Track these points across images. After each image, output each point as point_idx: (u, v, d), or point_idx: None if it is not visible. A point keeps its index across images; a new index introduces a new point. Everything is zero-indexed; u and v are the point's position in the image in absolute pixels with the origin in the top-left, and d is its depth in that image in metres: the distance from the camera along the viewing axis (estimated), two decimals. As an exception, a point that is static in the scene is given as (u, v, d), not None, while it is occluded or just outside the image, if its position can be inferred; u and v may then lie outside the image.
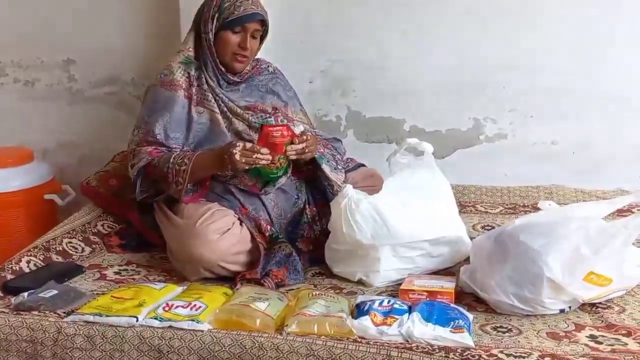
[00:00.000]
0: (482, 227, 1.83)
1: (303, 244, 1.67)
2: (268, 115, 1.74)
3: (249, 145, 1.55)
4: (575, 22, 2.04)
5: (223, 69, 1.71)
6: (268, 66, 1.85)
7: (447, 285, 1.43)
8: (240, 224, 1.60)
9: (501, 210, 1.95)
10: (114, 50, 2.26)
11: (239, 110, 1.70)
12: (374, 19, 2.13)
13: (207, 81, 1.71)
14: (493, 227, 1.80)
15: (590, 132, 2.08)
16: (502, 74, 2.09)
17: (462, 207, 1.92)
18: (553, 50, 2.06)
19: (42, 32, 2.29)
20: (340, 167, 1.74)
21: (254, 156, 1.54)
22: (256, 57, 1.80)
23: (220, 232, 1.55)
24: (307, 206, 1.72)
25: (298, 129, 1.66)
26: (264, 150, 1.55)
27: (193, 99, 1.69)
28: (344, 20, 2.13)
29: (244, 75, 1.76)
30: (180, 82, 1.69)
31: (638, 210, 1.74)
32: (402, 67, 2.14)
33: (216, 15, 1.68)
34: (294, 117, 1.81)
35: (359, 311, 1.31)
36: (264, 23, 1.71)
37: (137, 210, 1.77)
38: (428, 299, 1.37)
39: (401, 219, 1.54)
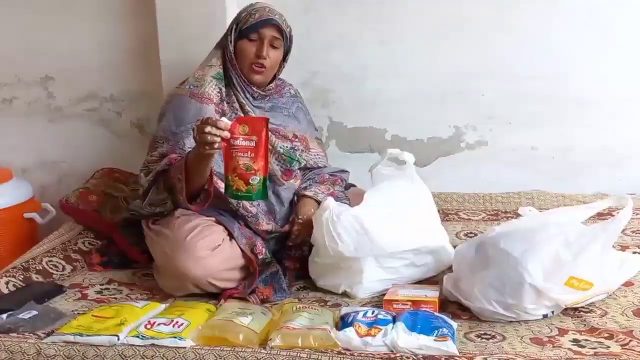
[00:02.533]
0: (465, 235, 1.84)
1: (290, 261, 1.65)
2: (288, 141, 1.72)
3: (217, 120, 1.37)
4: (552, 28, 2.07)
5: (247, 81, 1.69)
6: (290, 88, 1.86)
7: (430, 294, 1.43)
8: (230, 240, 1.57)
9: (484, 217, 1.96)
10: (92, 67, 2.24)
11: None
12: (351, 29, 2.14)
13: (237, 99, 1.68)
14: (476, 234, 1.80)
15: (570, 137, 2.10)
16: (480, 81, 2.11)
17: (445, 215, 1.93)
18: (531, 56, 2.09)
19: (20, 49, 2.27)
20: (348, 203, 1.70)
21: (207, 129, 1.34)
22: (279, 77, 1.79)
23: (210, 249, 1.52)
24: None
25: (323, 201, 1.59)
26: (222, 123, 1.35)
27: (226, 115, 1.63)
28: (322, 32, 2.14)
29: (269, 92, 1.75)
30: (212, 96, 1.65)
31: (616, 214, 1.76)
32: (381, 76, 2.15)
33: (234, 26, 1.69)
34: (310, 145, 1.80)
35: (343, 323, 1.31)
36: (282, 33, 1.70)
37: (119, 226, 1.75)
38: (412, 308, 1.37)
39: (383, 229, 1.53)
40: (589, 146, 2.10)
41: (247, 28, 1.67)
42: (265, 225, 1.64)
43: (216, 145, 1.37)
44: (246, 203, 1.60)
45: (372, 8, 2.11)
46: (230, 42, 1.69)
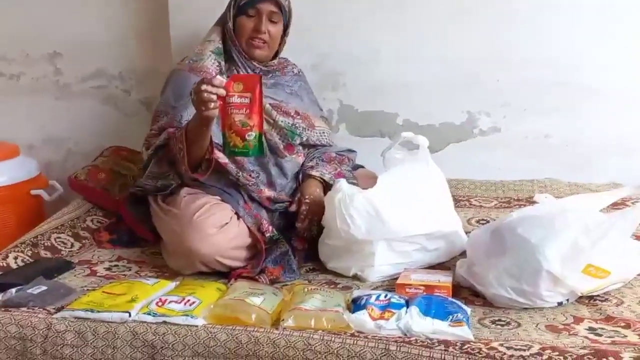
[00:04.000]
0: (477, 221, 1.82)
1: (299, 242, 1.64)
2: (290, 117, 1.72)
3: (212, 78, 1.38)
4: (567, 15, 2.03)
5: (247, 56, 1.69)
6: (293, 67, 1.85)
7: (444, 279, 1.41)
8: (238, 219, 1.57)
9: (495, 204, 1.94)
10: (101, 44, 2.22)
11: (267, 106, 1.66)
12: (363, 11, 2.10)
13: (237, 73, 1.67)
14: (488, 221, 1.78)
15: (584, 125, 2.08)
16: (495, 67, 2.07)
17: (457, 201, 1.90)
18: (547, 43, 2.05)
19: (27, 24, 2.24)
20: (355, 182, 1.69)
21: (202, 87, 1.36)
22: (283, 56, 1.79)
23: (218, 226, 1.52)
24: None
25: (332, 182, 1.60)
26: (217, 80, 1.37)
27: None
28: (333, 14, 2.10)
29: (272, 68, 1.74)
30: (211, 70, 1.65)
31: (633, 203, 1.74)
32: (393, 60, 2.11)
33: (232, 3, 1.70)
34: (314, 123, 1.79)
35: (355, 306, 1.29)
36: (280, 6, 1.68)
37: (128, 203, 1.74)
38: (425, 293, 1.35)
39: (396, 213, 1.52)
40: (602, 135, 2.08)
41: (245, 4, 1.67)
42: (267, 192, 1.64)
43: (212, 105, 1.38)
44: (245, 172, 1.61)
45: (385, -10, 2.08)
46: (230, 18, 1.69)
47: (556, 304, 1.33)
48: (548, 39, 2.05)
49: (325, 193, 1.64)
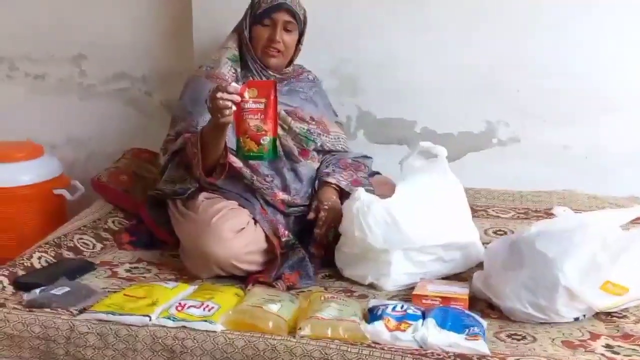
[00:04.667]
0: (494, 232, 1.82)
1: (316, 248, 1.65)
2: (305, 123, 1.73)
3: (227, 86, 1.40)
4: (588, 26, 2.02)
5: (262, 65, 1.72)
6: (308, 74, 1.87)
7: (460, 291, 1.42)
8: (255, 224, 1.59)
9: (513, 215, 1.93)
10: (125, 46, 2.25)
11: (282, 113, 1.68)
12: (382, 17, 2.09)
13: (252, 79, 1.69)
14: (505, 232, 1.78)
15: (604, 137, 2.06)
16: (515, 76, 2.06)
17: (474, 212, 1.89)
18: (568, 53, 2.04)
19: (54, 26, 2.28)
20: (372, 190, 1.70)
21: (218, 94, 1.39)
22: (298, 63, 1.81)
23: (235, 231, 1.54)
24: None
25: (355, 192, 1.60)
26: (232, 87, 1.40)
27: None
28: (352, 19, 2.10)
29: (286, 75, 1.76)
30: (227, 77, 1.67)
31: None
32: (412, 66, 2.11)
33: (249, 12, 1.73)
34: (329, 128, 1.81)
35: (372, 316, 1.30)
36: (295, 16, 1.70)
37: (148, 205, 1.76)
38: (442, 304, 1.36)
39: (414, 222, 1.52)
40: (622, 147, 2.06)
41: (261, 13, 1.69)
42: (281, 195, 1.65)
43: (228, 112, 1.41)
44: (260, 176, 1.63)
45: (405, -5, 2.07)
46: (246, 27, 1.72)
47: (572, 320, 1.33)
48: (569, 49, 2.04)
49: (341, 200, 1.66)
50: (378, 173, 1.90)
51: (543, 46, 2.05)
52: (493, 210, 1.97)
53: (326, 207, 1.64)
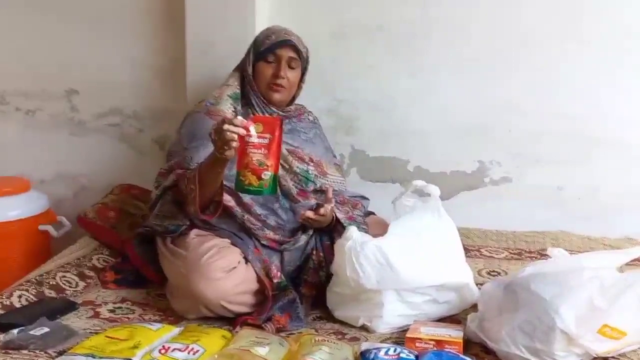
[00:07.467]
0: (488, 273, 1.79)
1: (306, 288, 1.62)
2: (305, 164, 1.73)
3: (233, 119, 1.40)
4: (580, 67, 2.05)
5: (266, 100, 1.72)
6: (309, 115, 1.87)
7: (454, 334, 1.38)
8: (246, 263, 1.55)
9: (506, 256, 1.91)
10: (117, 82, 2.25)
11: (284, 151, 1.67)
12: (380, 59, 2.13)
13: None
14: (499, 273, 1.76)
15: (597, 178, 2.06)
16: (508, 116, 2.08)
17: (467, 251, 1.86)
18: (558, 94, 2.06)
19: (46, 61, 2.28)
20: (366, 229, 1.69)
21: (224, 127, 1.38)
22: (300, 102, 1.81)
23: (225, 271, 1.50)
24: (313, 252, 1.67)
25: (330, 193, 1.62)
26: (238, 120, 1.39)
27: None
28: (350, 60, 2.13)
29: (289, 113, 1.76)
30: (226, 114, 1.66)
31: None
32: (407, 107, 2.13)
33: (252, 49, 1.73)
34: (327, 170, 1.80)
35: (364, 359, 1.26)
36: (299, 53, 1.72)
37: (135, 242, 1.73)
38: (435, 348, 1.32)
39: (407, 263, 1.49)
40: (616, 188, 2.06)
41: (264, 50, 1.70)
42: (273, 235, 1.62)
43: (234, 144, 1.39)
44: (252, 217, 1.61)
45: (401, 39, 2.11)
46: (249, 64, 1.72)
47: (570, 365, 1.28)
48: (562, 89, 2.06)
49: (335, 230, 1.63)
50: (372, 213, 1.88)
51: (534, 87, 2.07)
52: (486, 250, 1.94)
53: (329, 206, 1.61)
